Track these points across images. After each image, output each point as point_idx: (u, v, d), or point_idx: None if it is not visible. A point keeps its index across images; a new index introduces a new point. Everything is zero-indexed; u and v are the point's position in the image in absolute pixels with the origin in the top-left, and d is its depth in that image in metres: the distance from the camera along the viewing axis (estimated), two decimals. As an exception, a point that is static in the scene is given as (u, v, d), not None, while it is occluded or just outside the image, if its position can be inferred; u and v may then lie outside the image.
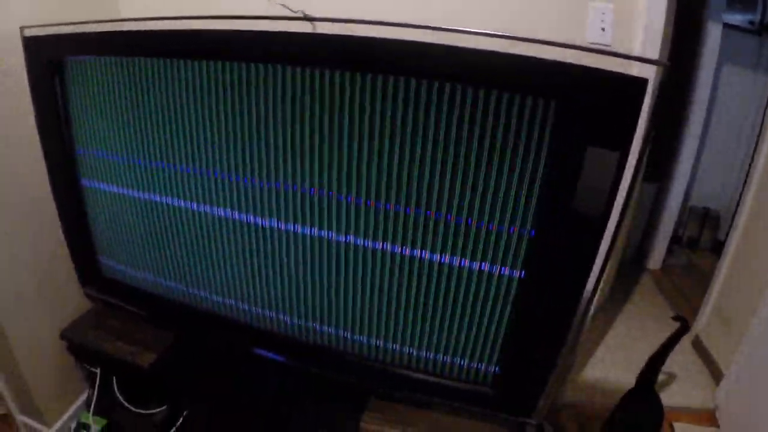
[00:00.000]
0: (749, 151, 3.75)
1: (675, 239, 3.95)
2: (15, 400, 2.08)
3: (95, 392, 2.06)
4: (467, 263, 1.34)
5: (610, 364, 2.74)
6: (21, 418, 2.12)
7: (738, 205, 2.87)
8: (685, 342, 2.95)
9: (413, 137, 1.23)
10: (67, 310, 2.06)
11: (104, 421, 2.10)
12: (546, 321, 1.33)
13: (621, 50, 1.18)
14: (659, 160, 3.60)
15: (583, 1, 1.63)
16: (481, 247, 1.31)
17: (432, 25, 1.15)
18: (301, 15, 1.46)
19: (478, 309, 1.39)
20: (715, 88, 3.55)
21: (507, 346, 1.41)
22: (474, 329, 1.43)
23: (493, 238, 1.28)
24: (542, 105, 1.11)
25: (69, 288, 2.04)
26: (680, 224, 3.99)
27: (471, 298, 1.38)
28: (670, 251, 3.88)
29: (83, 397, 2.21)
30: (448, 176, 1.25)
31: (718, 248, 3.54)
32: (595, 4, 1.63)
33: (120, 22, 1.79)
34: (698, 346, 2.86)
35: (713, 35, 3.37)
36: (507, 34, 1.10)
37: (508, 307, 1.36)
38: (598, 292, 1.32)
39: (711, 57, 3.41)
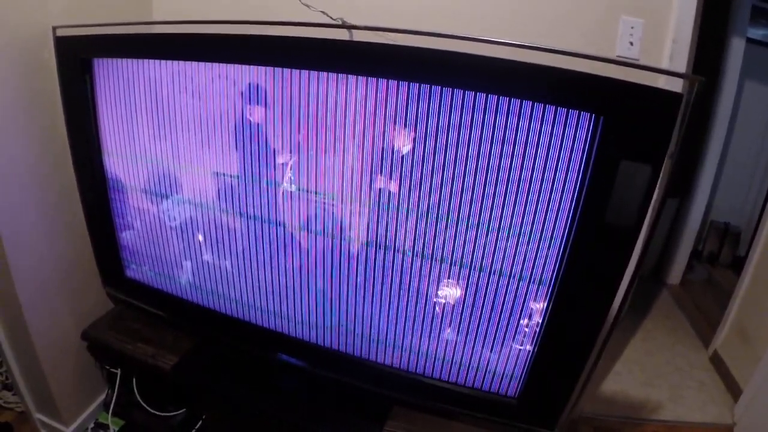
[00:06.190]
0: (771, 168, 3.74)
1: (695, 254, 3.93)
2: (33, 397, 2.09)
3: (115, 393, 2.06)
4: (498, 275, 1.34)
5: (627, 378, 2.73)
6: (38, 416, 2.13)
7: (759, 221, 2.85)
8: (704, 357, 2.94)
9: (449, 142, 1.24)
10: (89, 310, 2.07)
11: (122, 422, 2.11)
12: (573, 334, 1.32)
13: (648, 65, 1.18)
14: (680, 174, 3.58)
15: (614, 15, 1.64)
16: (512, 259, 1.30)
17: (469, 36, 1.15)
18: (340, 22, 1.46)
19: (509, 322, 1.39)
20: (737, 103, 3.53)
21: (534, 360, 1.40)
22: (503, 342, 1.43)
23: (524, 250, 1.28)
24: (578, 117, 1.11)
25: (91, 288, 2.05)
26: (700, 239, 3.97)
27: (501, 311, 1.38)
28: (689, 266, 3.86)
29: (101, 397, 2.22)
30: (482, 186, 1.25)
31: (738, 264, 3.52)
32: (625, 18, 1.63)
33: (150, 25, 1.81)
34: (717, 361, 2.84)
35: (736, 50, 3.36)
36: (548, 47, 1.10)
37: (538, 321, 1.35)
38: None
39: (734, 72, 3.39)
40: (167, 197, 1.70)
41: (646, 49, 1.67)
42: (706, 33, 2.18)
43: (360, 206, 1.40)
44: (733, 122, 3.60)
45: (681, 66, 1.70)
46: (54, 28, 1.61)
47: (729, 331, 2.81)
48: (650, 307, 3.48)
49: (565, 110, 1.12)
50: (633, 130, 1.08)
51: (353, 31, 1.47)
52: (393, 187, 1.33)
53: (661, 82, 1.43)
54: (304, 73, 1.32)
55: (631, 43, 1.66)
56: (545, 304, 1.32)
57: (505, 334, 1.41)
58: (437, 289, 1.42)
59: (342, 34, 1.45)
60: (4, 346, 1.93)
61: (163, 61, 1.51)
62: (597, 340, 1.31)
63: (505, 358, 1.45)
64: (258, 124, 1.44)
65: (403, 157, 1.29)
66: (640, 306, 3.43)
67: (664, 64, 1.68)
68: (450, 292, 1.41)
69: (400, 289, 1.46)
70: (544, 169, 1.18)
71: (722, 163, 3.68)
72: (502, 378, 1.48)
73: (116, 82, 1.61)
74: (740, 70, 3.39)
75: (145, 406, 2.04)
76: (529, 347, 1.40)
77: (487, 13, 1.69)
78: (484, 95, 1.16)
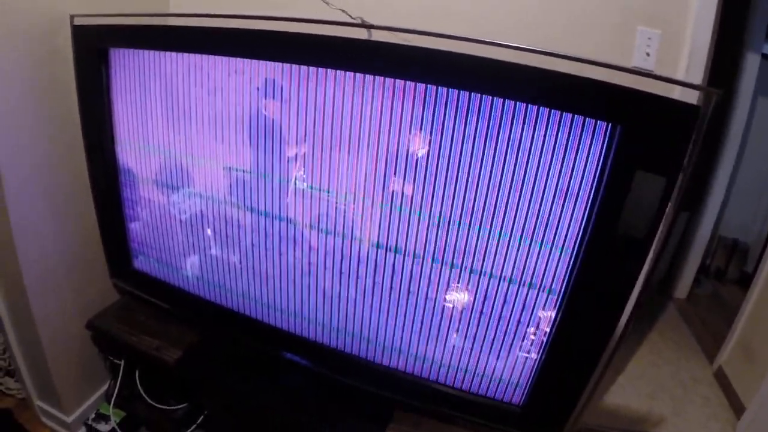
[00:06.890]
0: (781, 185, 3.71)
1: (702, 269, 3.91)
2: (35, 385, 2.10)
3: (117, 384, 2.06)
4: (508, 282, 1.33)
5: (631, 392, 2.71)
6: (39, 404, 2.13)
7: (767, 238, 2.84)
8: (708, 373, 2.92)
9: (465, 146, 1.23)
10: (94, 300, 2.06)
11: (123, 414, 2.11)
12: (581, 344, 1.31)
13: (664, 76, 1.18)
14: (691, 189, 3.56)
15: (631, 26, 1.63)
16: (523, 266, 1.30)
17: (490, 41, 1.15)
18: (359, 21, 1.46)
19: (516, 330, 1.38)
20: (750, 119, 3.51)
21: (540, 369, 1.40)
22: (510, 350, 1.42)
23: (534, 259, 1.28)
24: (594, 125, 1.11)
25: (97, 278, 2.06)
26: (708, 254, 3.95)
27: (509, 318, 1.37)
28: (696, 281, 3.83)
29: (103, 388, 2.22)
30: (497, 192, 1.24)
31: (744, 280, 3.50)
32: (642, 29, 1.63)
33: (167, 17, 1.81)
34: (720, 377, 2.82)
35: (751, 65, 3.33)
36: (566, 54, 1.10)
37: (545, 330, 1.34)
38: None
39: (748, 88, 3.37)
40: (178, 190, 1.70)
41: (662, 60, 1.67)
42: (721, 48, 2.18)
43: (372, 207, 1.39)
44: (746, 138, 3.58)
45: (697, 78, 1.70)
46: (72, 17, 1.61)
47: (734, 347, 2.79)
48: (656, 321, 3.46)
49: (582, 118, 1.11)
50: (650, 140, 1.07)
51: (372, 30, 1.47)
52: (407, 189, 1.32)
53: (675, 95, 1.42)
54: (321, 70, 1.31)
55: (648, 54, 1.66)
56: (554, 313, 1.31)
57: (513, 341, 1.40)
58: (446, 294, 1.42)
59: (361, 34, 1.45)
60: (8, 333, 1.94)
61: (179, 54, 1.51)
62: (604, 352, 1.30)
63: (511, 365, 1.44)
64: (273, 121, 1.43)
65: (418, 160, 1.28)
66: (646, 319, 3.41)
67: (680, 76, 1.68)
68: (458, 297, 1.40)
69: (408, 292, 1.46)
70: (558, 177, 1.18)
71: (733, 178, 3.65)
72: (507, 386, 1.48)
73: (132, 72, 1.62)
74: (754, 86, 3.37)
75: (147, 398, 2.03)
76: (535, 356, 1.39)
77: (508, 18, 1.69)
78: (502, 100, 1.16)
